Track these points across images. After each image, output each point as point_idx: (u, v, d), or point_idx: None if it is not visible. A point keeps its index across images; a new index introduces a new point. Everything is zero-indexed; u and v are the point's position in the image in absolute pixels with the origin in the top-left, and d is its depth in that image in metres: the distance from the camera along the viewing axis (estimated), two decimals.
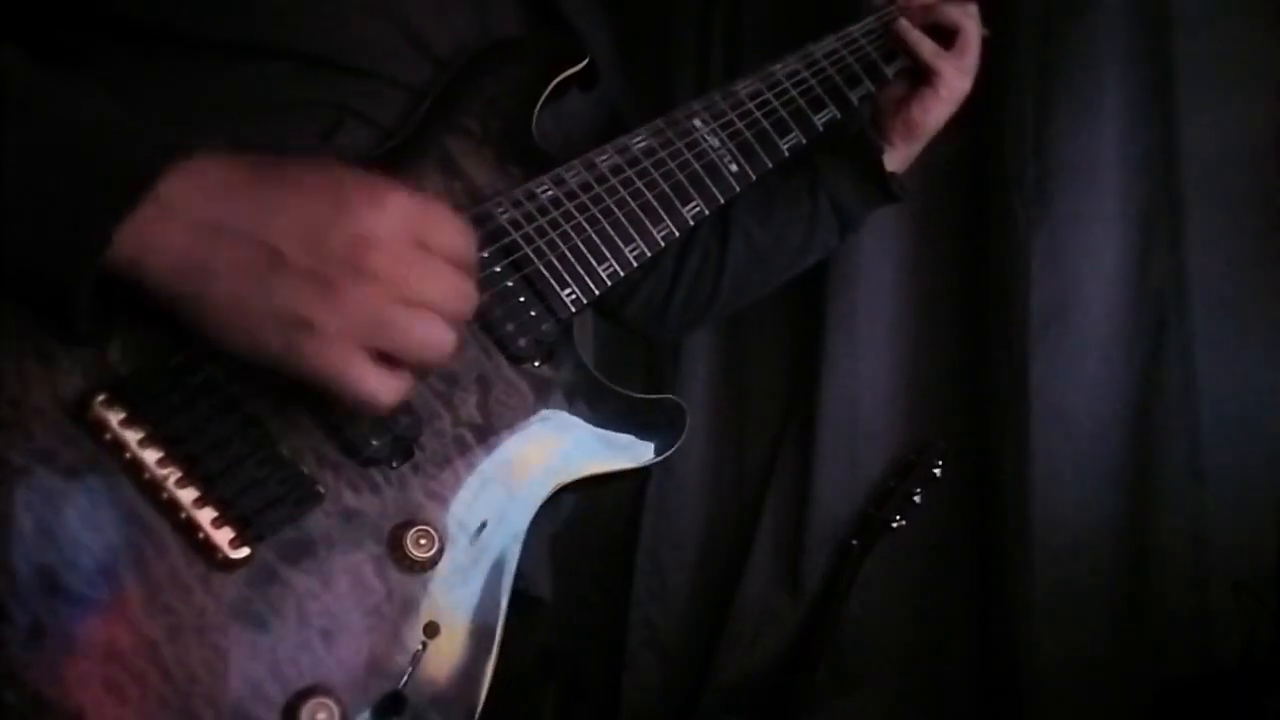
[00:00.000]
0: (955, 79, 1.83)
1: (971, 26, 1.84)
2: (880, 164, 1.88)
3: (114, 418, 1.02)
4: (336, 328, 0.99)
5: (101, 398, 1.02)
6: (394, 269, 1.00)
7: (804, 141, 1.72)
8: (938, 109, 1.85)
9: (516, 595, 1.48)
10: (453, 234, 1.07)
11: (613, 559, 3.26)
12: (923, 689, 3.05)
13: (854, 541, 3.01)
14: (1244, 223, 2.77)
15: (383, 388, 1.03)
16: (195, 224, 0.98)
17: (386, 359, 1.03)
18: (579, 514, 1.65)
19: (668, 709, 3.18)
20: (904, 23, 1.83)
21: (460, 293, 1.07)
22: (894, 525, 2.99)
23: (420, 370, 1.07)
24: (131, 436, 1.02)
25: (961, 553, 3.04)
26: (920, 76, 1.83)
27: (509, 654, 1.44)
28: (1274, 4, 2.73)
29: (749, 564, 3.15)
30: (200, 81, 1.32)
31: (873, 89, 1.81)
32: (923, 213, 2.94)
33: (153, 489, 1.02)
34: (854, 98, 1.78)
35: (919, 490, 2.99)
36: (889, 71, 1.83)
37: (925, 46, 1.82)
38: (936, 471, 2.99)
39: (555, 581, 1.65)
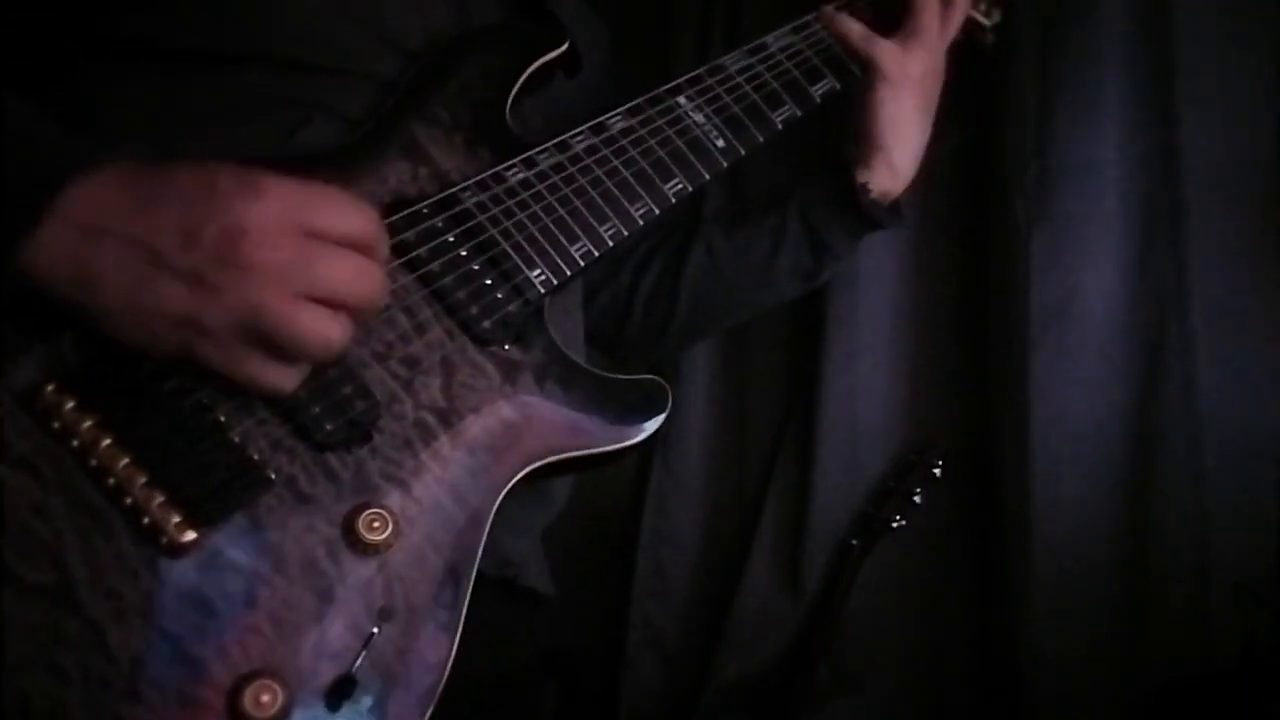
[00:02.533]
0: (895, 66, 1.71)
1: (924, 2, 1.72)
2: (850, 179, 1.77)
3: (63, 405, 1.03)
4: (218, 324, 1.02)
5: (51, 387, 1.04)
6: (270, 260, 1.01)
7: (799, 114, 1.67)
8: (887, 107, 1.73)
9: (509, 586, 1.49)
10: (344, 216, 1.08)
11: (612, 559, 3.26)
12: (923, 689, 3.04)
13: (854, 541, 3.00)
14: (1244, 223, 2.76)
15: (277, 380, 1.07)
16: (76, 228, 0.99)
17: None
18: (578, 514, 1.65)
19: (668, 709, 3.17)
20: (827, 9, 1.73)
21: (356, 278, 1.08)
22: (894, 525, 2.98)
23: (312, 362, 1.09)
24: (81, 423, 1.03)
25: (961, 553, 3.03)
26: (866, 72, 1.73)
27: (507, 653, 1.44)
28: (1274, 3, 2.72)
29: (749, 564, 3.14)
30: (172, 90, 1.34)
31: None
32: (923, 212, 2.92)
33: (100, 474, 1.03)
34: (855, 67, 1.73)
35: (919, 490, 2.97)
36: None
37: (853, 32, 1.71)
38: (936, 471, 2.97)
39: (555, 581, 1.64)
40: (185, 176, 1.03)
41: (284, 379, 1.07)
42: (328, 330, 1.05)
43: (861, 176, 1.77)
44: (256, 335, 1.03)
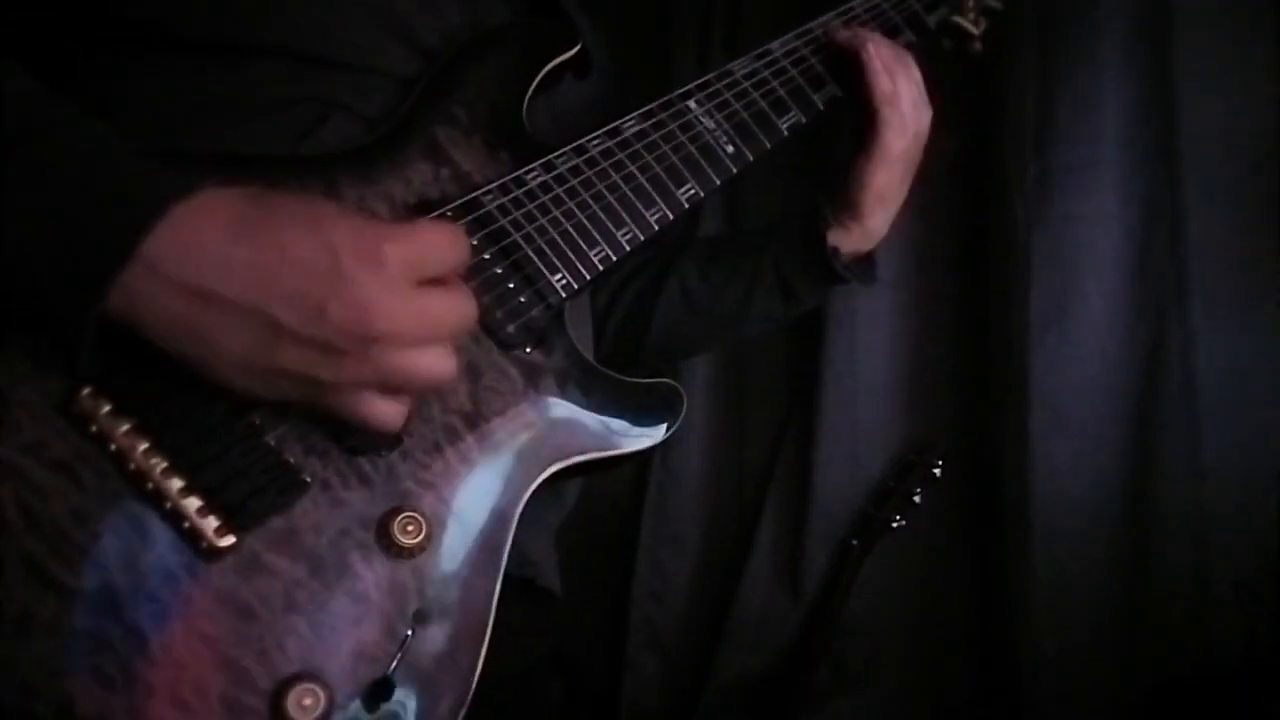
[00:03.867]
0: (894, 136, 1.66)
1: (903, 76, 1.66)
2: (821, 239, 1.75)
3: (100, 410, 1.03)
4: (345, 381, 1.04)
5: (87, 390, 1.03)
6: (397, 326, 1.02)
7: (804, 120, 1.65)
8: (876, 180, 1.68)
9: (527, 585, 1.49)
10: (445, 252, 1.09)
11: (613, 559, 3.27)
12: (923, 689, 3.06)
13: (854, 541, 3.02)
14: (1244, 222, 2.77)
15: (391, 415, 1.09)
16: (185, 290, 0.98)
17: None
18: (579, 515, 1.65)
19: (668, 709, 3.18)
20: (870, 48, 1.66)
21: (462, 313, 1.10)
22: (894, 525, 2.99)
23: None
24: (117, 428, 1.03)
25: (961, 553, 3.05)
26: (863, 134, 1.69)
27: (520, 653, 1.44)
28: (1274, 2, 2.73)
29: (749, 564, 3.16)
30: (187, 83, 1.32)
31: None
32: (923, 212, 2.93)
33: (138, 479, 1.03)
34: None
35: (919, 490, 2.99)
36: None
37: (882, 85, 1.65)
38: (936, 471, 2.99)
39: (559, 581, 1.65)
40: (296, 237, 1.01)
41: (397, 413, 1.10)
42: (445, 367, 1.08)
43: (834, 239, 1.75)
44: (382, 387, 1.06)
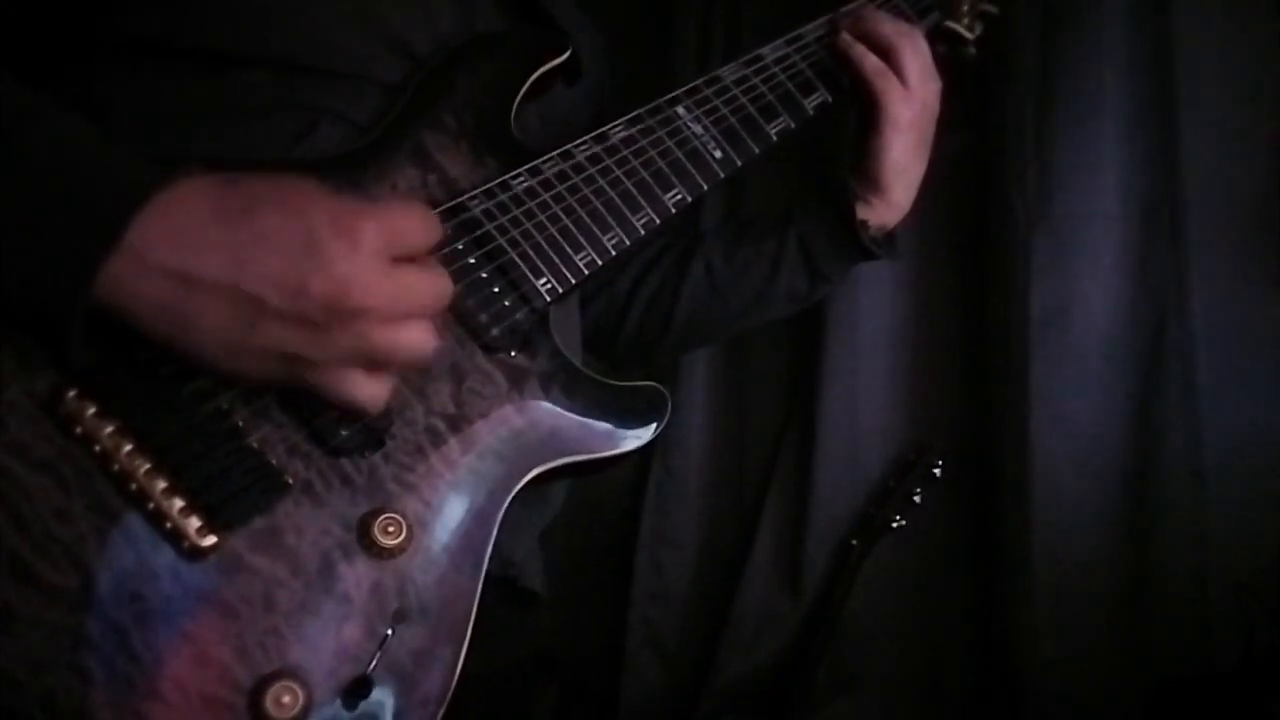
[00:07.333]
0: (900, 109, 1.69)
1: (908, 48, 1.69)
2: (850, 213, 1.76)
3: (85, 411, 1.04)
4: (327, 357, 1.06)
5: (73, 392, 1.04)
6: (376, 299, 1.05)
7: (793, 126, 1.67)
8: (892, 151, 1.71)
9: (508, 585, 1.50)
10: (418, 231, 1.12)
11: (612, 559, 3.27)
12: (923, 689, 3.06)
13: (854, 541, 3.02)
14: (1244, 223, 2.77)
15: (374, 393, 1.12)
16: (167, 274, 1.00)
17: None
18: (578, 515, 1.65)
19: (668, 709, 3.18)
20: (846, 36, 1.71)
21: (437, 288, 1.13)
22: (894, 525, 3.00)
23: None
24: (102, 429, 1.04)
25: (961, 553, 3.05)
26: (867, 109, 1.71)
27: (502, 652, 1.45)
28: (1274, 4, 2.73)
29: (749, 564, 3.16)
30: (177, 90, 1.33)
31: None
32: (923, 212, 2.92)
33: (122, 480, 1.04)
34: (846, 80, 1.72)
35: (919, 490, 2.99)
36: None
37: (868, 64, 1.69)
38: (936, 471, 2.99)
39: (555, 582, 1.65)
40: (275, 217, 1.04)
41: (378, 392, 1.12)
42: (425, 341, 1.11)
43: (862, 213, 1.77)
44: (364, 360, 1.08)
